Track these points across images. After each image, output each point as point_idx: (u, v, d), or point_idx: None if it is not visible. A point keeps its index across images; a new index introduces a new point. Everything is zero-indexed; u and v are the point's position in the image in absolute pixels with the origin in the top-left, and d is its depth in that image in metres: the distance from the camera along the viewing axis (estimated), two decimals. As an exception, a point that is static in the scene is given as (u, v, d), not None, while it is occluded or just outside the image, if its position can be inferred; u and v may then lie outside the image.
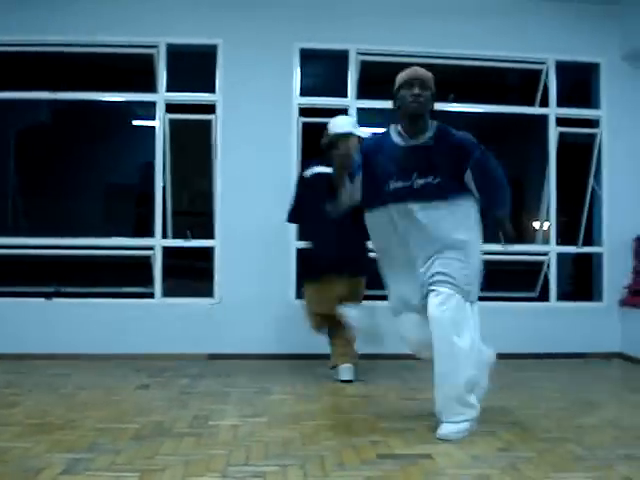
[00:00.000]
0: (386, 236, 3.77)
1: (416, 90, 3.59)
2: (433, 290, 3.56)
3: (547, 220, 6.78)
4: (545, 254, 6.70)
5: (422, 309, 3.64)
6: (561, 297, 6.72)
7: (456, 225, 3.63)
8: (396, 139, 3.73)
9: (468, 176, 3.63)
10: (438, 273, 3.57)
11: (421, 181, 3.62)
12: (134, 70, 6.96)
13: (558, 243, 6.72)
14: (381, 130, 3.94)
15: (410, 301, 3.73)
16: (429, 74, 3.68)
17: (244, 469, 2.91)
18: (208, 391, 4.75)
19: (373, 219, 3.84)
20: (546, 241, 6.79)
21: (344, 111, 6.34)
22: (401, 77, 3.68)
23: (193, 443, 3.34)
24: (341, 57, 6.52)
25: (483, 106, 6.86)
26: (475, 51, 6.61)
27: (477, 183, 3.64)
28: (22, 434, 3.49)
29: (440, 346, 3.50)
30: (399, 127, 3.74)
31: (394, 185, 3.67)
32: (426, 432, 3.59)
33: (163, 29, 6.38)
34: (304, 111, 6.48)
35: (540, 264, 6.72)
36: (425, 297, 3.61)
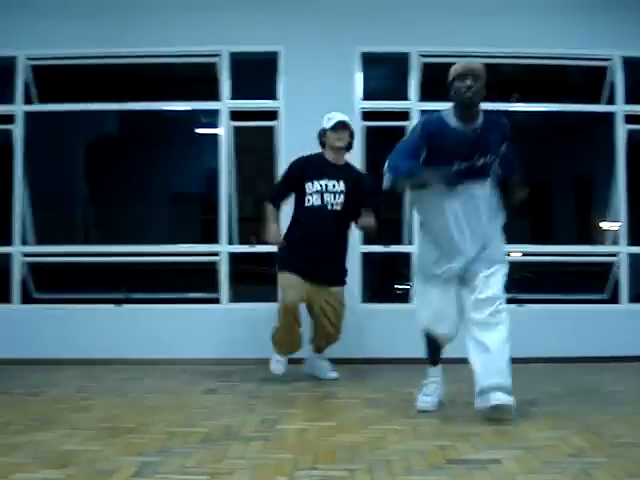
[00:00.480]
0: (434, 212, 4.09)
1: (468, 82, 3.89)
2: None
3: (616, 220, 6.61)
4: (615, 255, 6.54)
5: (451, 280, 4.08)
6: (634, 299, 6.54)
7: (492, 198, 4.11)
8: (454, 124, 4.00)
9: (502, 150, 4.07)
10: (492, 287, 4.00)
11: (481, 161, 3.98)
12: (197, 79, 7.07)
13: (629, 244, 6.54)
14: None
15: (436, 270, 4.10)
16: (481, 66, 3.99)
17: (311, 473, 2.92)
18: (275, 395, 4.78)
19: (425, 197, 4.11)
20: (616, 242, 6.62)
21: (406, 114, 6.32)
22: (455, 69, 3.99)
23: (261, 447, 3.36)
24: (402, 60, 6.50)
25: (548, 105, 6.74)
26: (538, 49, 6.49)
27: (507, 156, 4.09)
28: (94, 437, 3.57)
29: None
30: (452, 114, 4.02)
31: (460, 165, 3.96)
32: (495, 437, 3.54)
33: (225, 37, 6.46)
34: (367, 115, 6.47)
35: (610, 265, 6.56)
36: (462, 276, 4.06)
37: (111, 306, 6.43)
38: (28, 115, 6.64)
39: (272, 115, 6.50)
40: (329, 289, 5.23)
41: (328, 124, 5.19)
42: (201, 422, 3.90)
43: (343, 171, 5.24)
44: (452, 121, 4.00)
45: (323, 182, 5.15)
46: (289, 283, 5.10)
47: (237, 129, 6.54)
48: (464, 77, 3.90)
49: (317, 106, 6.38)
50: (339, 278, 5.33)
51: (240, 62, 6.55)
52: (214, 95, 6.57)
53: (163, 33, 6.45)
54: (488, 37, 6.41)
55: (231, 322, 6.29)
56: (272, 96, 6.51)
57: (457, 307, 4.11)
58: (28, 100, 6.65)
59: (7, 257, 6.61)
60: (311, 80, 6.45)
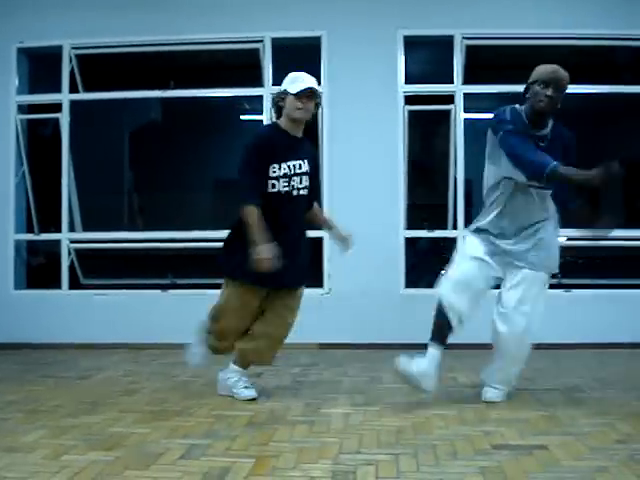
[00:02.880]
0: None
1: (550, 92, 3.72)
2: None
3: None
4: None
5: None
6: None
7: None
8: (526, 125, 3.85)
9: None
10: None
11: None
12: (241, 65, 7.08)
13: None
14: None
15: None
16: (567, 75, 3.78)
17: (356, 457, 2.93)
18: (319, 380, 4.80)
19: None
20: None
21: (450, 97, 6.25)
22: (539, 72, 3.80)
23: (306, 431, 3.38)
24: (446, 42, 6.43)
25: (596, 87, 6.61)
26: (585, 30, 6.34)
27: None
28: (141, 420, 3.62)
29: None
30: (524, 114, 3.86)
31: None
32: (541, 423, 3.51)
33: (267, 23, 6.47)
34: (409, 99, 6.42)
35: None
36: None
37: (157, 291, 6.51)
38: (74, 104, 6.73)
39: (315, 100, 6.48)
40: (295, 291, 4.21)
41: (292, 87, 3.97)
42: (246, 406, 3.94)
43: (305, 147, 4.17)
44: (524, 119, 3.88)
45: (290, 163, 4.02)
46: (241, 302, 4.10)
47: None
48: (546, 84, 3.73)
49: (360, 91, 6.38)
50: (305, 277, 4.32)
51: (283, 48, 6.55)
52: (257, 81, 6.58)
53: (206, 20, 6.49)
54: (534, 19, 6.31)
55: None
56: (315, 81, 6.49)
57: (483, 287, 4.03)
58: (74, 89, 6.74)
59: (56, 244, 6.74)
60: (353, 65, 6.42)
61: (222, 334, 4.20)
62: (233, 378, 4.19)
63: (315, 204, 4.35)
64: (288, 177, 4.00)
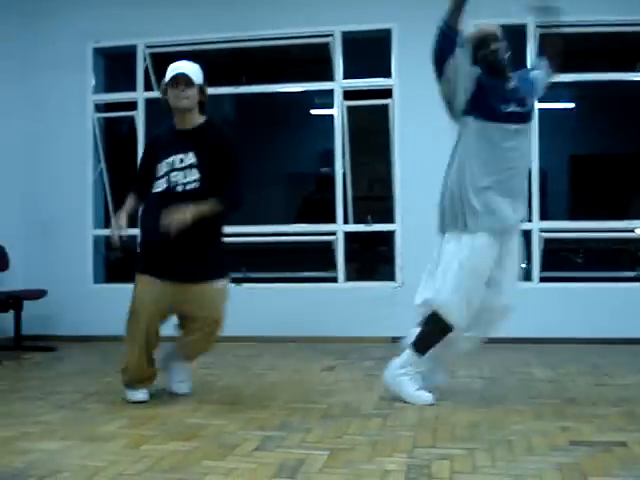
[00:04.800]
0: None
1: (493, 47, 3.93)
2: None
3: None
4: None
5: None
6: None
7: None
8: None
9: None
10: None
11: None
12: (311, 60, 7.11)
13: None
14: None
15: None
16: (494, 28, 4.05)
17: (431, 451, 2.91)
18: (392, 374, 4.78)
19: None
20: None
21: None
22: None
23: (380, 424, 3.38)
24: (519, 30, 6.30)
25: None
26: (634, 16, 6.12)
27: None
28: (218, 412, 3.68)
29: None
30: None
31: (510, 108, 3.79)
32: (620, 419, 3.43)
33: (337, 17, 6.46)
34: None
35: None
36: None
37: (231, 285, 6.58)
38: (149, 102, 6.87)
39: (386, 93, 6.46)
40: (197, 286, 3.90)
41: (166, 78, 3.80)
42: (320, 399, 3.96)
43: (193, 138, 3.86)
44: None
45: (170, 159, 3.80)
46: (139, 293, 3.95)
47: (351, 109, 6.54)
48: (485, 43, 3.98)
49: (431, 82, 6.27)
50: (206, 272, 3.91)
51: (353, 41, 6.54)
52: (328, 75, 6.60)
53: (277, 16, 6.53)
54: (602, 5, 6.11)
55: (348, 300, 6.33)
56: (386, 74, 6.47)
57: None
58: (149, 87, 6.88)
59: (133, 238, 6.88)
60: (425, 56, 6.29)
61: (132, 337, 3.88)
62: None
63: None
64: (167, 174, 3.80)
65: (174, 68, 3.80)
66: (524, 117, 3.84)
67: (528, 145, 4.12)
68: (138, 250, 4.11)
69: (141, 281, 3.91)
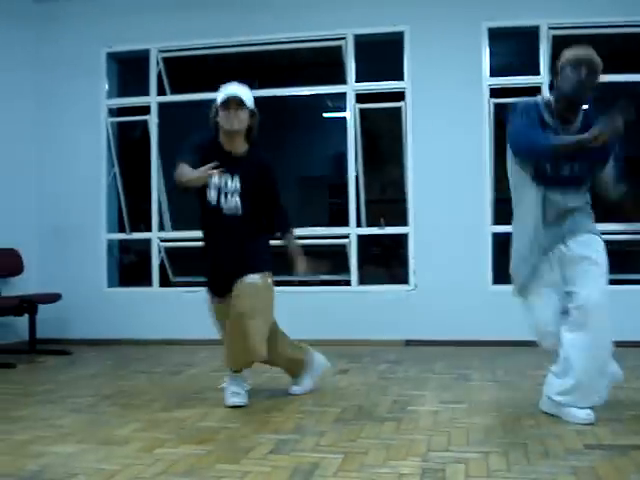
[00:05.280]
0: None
1: (583, 74, 3.31)
2: None
3: None
4: None
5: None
6: None
7: None
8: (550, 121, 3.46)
9: None
10: None
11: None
12: (323, 63, 7.11)
13: None
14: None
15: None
16: (599, 60, 3.34)
17: (445, 455, 2.90)
18: (406, 377, 4.78)
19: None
20: None
21: (537, 89, 6.10)
22: (568, 54, 3.39)
23: (394, 427, 3.37)
24: (531, 33, 6.29)
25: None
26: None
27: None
28: (231, 415, 3.69)
29: None
30: (547, 104, 3.50)
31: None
32: (635, 422, 3.40)
33: (350, 20, 6.47)
34: (495, 92, 6.32)
35: None
36: None
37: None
38: (162, 106, 6.90)
39: (399, 96, 6.46)
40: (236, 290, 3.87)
41: (218, 99, 3.89)
42: (334, 402, 3.95)
43: (240, 163, 3.91)
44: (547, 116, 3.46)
45: (217, 179, 3.83)
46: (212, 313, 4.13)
47: (364, 112, 6.54)
48: (578, 66, 3.31)
49: (444, 85, 6.31)
50: (243, 270, 3.87)
51: (365, 44, 6.54)
52: (340, 79, 6.60)
53: (289, 19, 6.55)
54: (621, 5, 6.09)
55: (361, 304, 6.32)
56: (398, 77, 6.47)
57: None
58: (161, 91, 6.91)
59: (146, 243, 6.93)
60: (437, 59, 6.36)
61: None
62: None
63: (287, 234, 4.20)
64: (215, 192, 3.87)
65: (227, 90, 3.86)
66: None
67: None
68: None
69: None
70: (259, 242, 4.04)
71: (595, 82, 3.36)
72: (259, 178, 3.95)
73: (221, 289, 3.95)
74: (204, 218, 3.98)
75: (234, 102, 3.83)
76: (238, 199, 3.87)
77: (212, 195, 3.87)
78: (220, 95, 3.87)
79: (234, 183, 3.87)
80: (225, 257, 3.91)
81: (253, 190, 3.91)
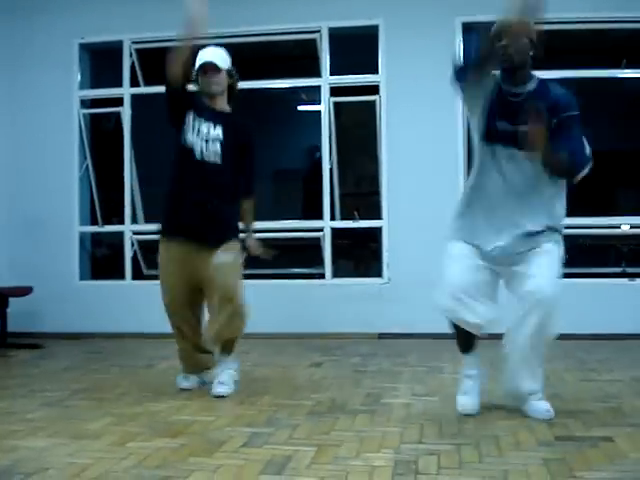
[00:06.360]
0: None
1: (504, 42, 3.43)
2: None
3: None
4: None
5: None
6: None
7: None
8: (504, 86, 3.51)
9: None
10: None
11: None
12: (298, 56, 7.10)
13: None
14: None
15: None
16: (520, 20, 3.44)
17: (418, 447, 2.91)
18: (379, 370, 4.80)
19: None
20: None
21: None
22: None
23: (367, 420, 3.38)
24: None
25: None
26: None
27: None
28: (204, 408, 3.67)
29: None
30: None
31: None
32: (606, 414, 3.44)
33: (324, 13, 6.46)
34: (468, 86, 6.33)
35: None
36: None
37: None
38: (135, 97, 6.85)
39: (373, 89, 6.46)
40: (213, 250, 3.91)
41: (196, 65, 4.03)
42: (308, 395, 3.95)
43: (222, 118, 4.03)
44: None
45: (200, 122, 3.96)
46: (162, 261, 4.10)
47: (338, 105, 6.54)
48: (499, 38, 3.44)
49: (418, 78, 6.33)
50: (219, 237, 3.96)
51: (340, 37, 6.53)
52: (315, 72, 6.59)
53: (263, 12, 6.52)
54: (595, 1, 6.14)
55: (335, 297, 6.33)
56: (373, 70, 6.48)
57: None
58: (135, 83, 6.86)
59: (119, 235, 6.89)
60: (412, 52, 6.37)
61: (168, 314, 4.12)
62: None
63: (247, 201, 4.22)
64: (196, 134, 3.95)
65: (202, 56, 4.01)
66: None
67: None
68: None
69: (161, 248, 4.09)
70: (235, 205, 4.13)
71: (521, 45, 3.44)
72: (240, 135, 4.07)
73: (185, 229, 3.93)
74: (180, 162, 4.02)
75: (209, 68, 3.98)
76: (219, 147, 3.95)
77: (192, 138, 3.94)
78: (197, 62, 4.00)
79: (216, 131, 3.96)
80: (200, 203, 3.91)
81: (233, 143, 4.00)
